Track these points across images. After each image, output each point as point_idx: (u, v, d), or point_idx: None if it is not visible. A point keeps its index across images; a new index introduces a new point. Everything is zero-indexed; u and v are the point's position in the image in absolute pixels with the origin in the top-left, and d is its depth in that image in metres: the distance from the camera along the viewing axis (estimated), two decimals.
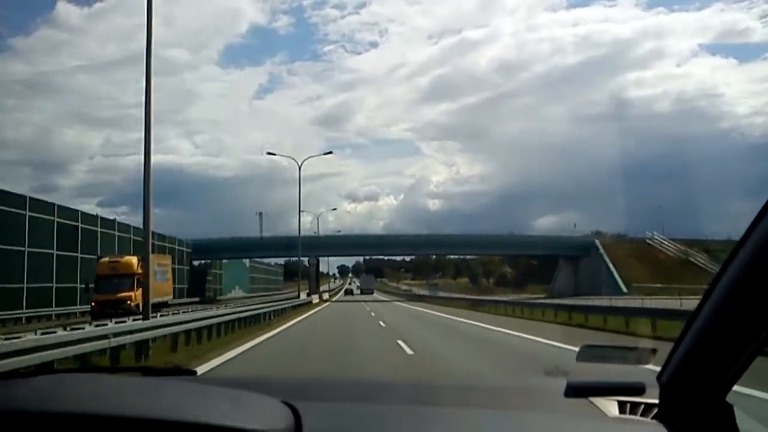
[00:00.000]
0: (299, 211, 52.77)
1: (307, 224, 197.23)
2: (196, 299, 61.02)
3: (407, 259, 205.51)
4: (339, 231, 74.15)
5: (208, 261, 76.59)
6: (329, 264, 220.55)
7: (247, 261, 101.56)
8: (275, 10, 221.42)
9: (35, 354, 8.87)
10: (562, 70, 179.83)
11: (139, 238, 55.05)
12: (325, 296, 79.15)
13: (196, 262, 75.94)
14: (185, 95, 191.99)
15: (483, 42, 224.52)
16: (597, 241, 68.73)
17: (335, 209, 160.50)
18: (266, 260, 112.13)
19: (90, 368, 3.97)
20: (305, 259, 70.56)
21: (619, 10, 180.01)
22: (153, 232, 53.47)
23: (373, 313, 34.81)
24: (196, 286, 67.65)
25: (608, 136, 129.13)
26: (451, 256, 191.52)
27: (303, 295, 55.64)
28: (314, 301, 54.11)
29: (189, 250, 66.51)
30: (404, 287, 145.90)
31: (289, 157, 55.53)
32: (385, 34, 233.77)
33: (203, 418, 1.04)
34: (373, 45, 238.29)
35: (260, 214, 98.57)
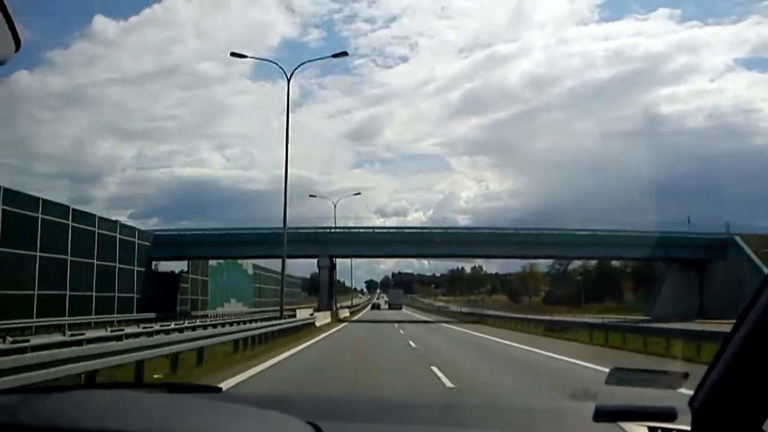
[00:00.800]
0: (286, 150, 31.87)
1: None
2: (151, 315, 41.10)
3: (437, 274, 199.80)
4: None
5: (184, 263, 56.51)
6: (355, 279, 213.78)
7: (250, 266, 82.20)
8: (306, 24, 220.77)
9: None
10: (594, 84, 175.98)
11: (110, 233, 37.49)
12: (344, 313, 59.03)
13: (168, 264, 56.37)
14: (217, 108, 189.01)
15: (513, 56, 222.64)
16: (738, 239, 46.96)
17: (359, 194, 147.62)
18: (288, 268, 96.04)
19: (115, 384, 3.92)
20: (314, 261, 50.02)
21: (651, 23, 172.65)
22: (86, 213, 32.63)
23: (436, 369, 13.50)
24: (160, 295, 47.57)
25: (640, 152, 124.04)
26: (488, 270, 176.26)
27: (302, 314, 35.24)
28: (318, 323, 33.65)
29: (147, 244, 46.50)
30: (439, 304, 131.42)
31: (273, 62, 38.13)
32: (415, 48, 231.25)
33: None
34: (403, 59, 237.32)
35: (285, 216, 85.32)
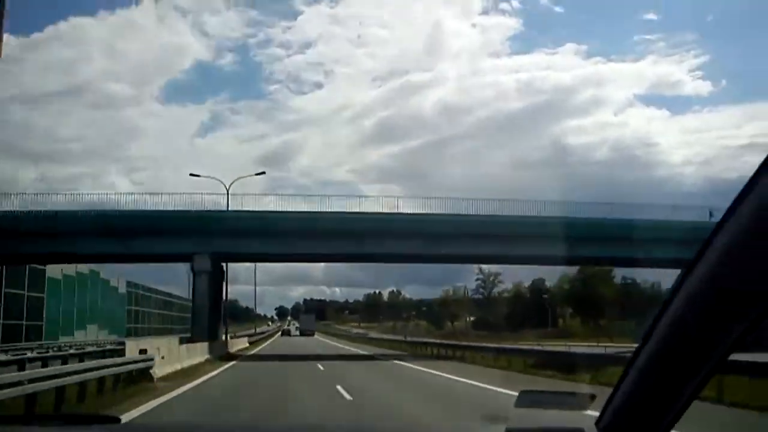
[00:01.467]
0: None
1: (245, 265, 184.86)
2: None
3: (351, 300, 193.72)
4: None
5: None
6: (264, 307, 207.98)
7: (122, 283, 62.95)
8: (221, 48, 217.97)
9: None
10: (505, 115, 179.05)
11: None
12: (241, 344, 42.15)
13: None
14: (126, 131, 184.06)
15: (427, 85, 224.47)
16: None
17: (263, 173, 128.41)
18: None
19: (6, 417, 3.02)
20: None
21: (560, 57, 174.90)
22: None
23: None
24: None
25: (550, 182, 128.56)
26: (407, 296, 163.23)
27: (157, 350, 17.42)
28: (164, 370, 16.39)
29: None
30: (357, 331, 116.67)
31: None
32: (330, 75, 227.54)
33: None
34: (318, 86, 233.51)
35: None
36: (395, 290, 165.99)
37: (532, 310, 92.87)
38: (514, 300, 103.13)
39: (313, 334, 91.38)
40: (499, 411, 8.95)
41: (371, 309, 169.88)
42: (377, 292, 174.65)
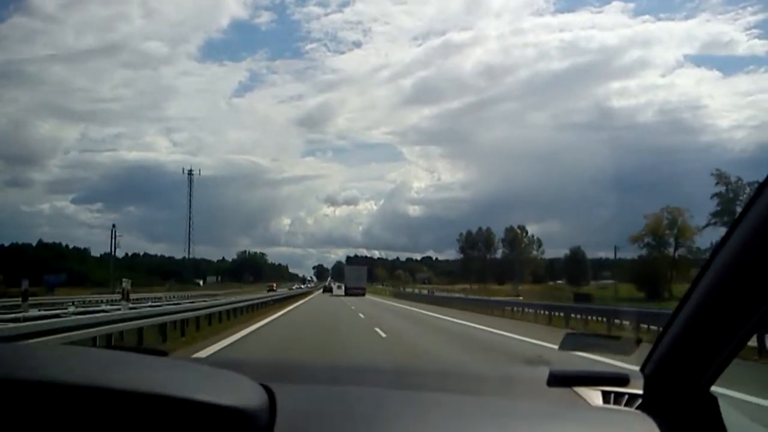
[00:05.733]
0: None
1: (286, 226, 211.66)
2: None
3: (403, 259, 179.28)
4: None
5: None
6: (303, 268, 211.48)
7: None
8: (257, 6, 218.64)
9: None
10: (547, 76, 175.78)
11: None
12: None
13: None
14: (163, 90, 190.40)
15: (468, 45, 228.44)
16: None
17: None
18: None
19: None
20: None
21: (606, 16, 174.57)
22: None
23: None
24: None
25: (592, 144, 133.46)
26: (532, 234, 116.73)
27: None
28: None
29: None
30: (458, 294, 69.59)
31: None
32: (368, 34, 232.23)
33: (173, 391, 0.97)
34: (357, 44, 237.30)
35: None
36: (514, 226, 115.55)
37: None
38: None
39: (363, 294, 74.12)
40: None
41: (466, 263, 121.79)
42: (485, 228, 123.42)
